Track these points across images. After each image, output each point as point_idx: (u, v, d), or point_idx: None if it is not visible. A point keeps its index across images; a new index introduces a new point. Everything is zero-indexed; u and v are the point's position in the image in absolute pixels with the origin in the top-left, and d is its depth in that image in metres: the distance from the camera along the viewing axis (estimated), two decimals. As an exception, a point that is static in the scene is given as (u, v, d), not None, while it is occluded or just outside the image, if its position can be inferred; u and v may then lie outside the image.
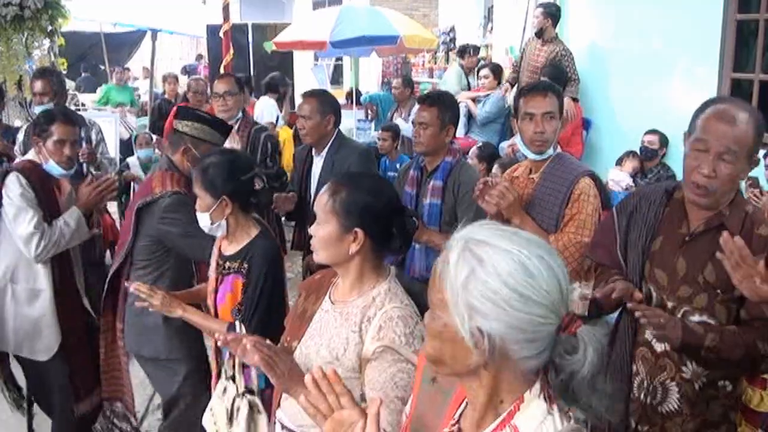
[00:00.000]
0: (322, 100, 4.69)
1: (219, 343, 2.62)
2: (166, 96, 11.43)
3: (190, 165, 3.63)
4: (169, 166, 3.79)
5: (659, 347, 2.74)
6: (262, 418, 2.92)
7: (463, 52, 10.72)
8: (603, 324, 4.53)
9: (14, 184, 3.88)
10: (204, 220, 3.20)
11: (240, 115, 5.38)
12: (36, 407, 4.47)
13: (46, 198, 3.97)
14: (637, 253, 2.80)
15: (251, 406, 2.94)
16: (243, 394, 2.95)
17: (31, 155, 4.15)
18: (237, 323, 2.96)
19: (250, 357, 2.34)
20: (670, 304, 2.69)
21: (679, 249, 2.68)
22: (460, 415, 1.62)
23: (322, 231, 2.36)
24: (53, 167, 4.01)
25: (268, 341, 2.38)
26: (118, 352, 3.97)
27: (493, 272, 1.41)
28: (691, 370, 2.68)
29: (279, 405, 2.54)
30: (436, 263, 1.52)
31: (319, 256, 2.41)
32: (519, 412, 1.47)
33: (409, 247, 2.57)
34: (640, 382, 2.81)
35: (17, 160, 4.45)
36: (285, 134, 8.46)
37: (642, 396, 2.81)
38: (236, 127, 5.24)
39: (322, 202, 2.38)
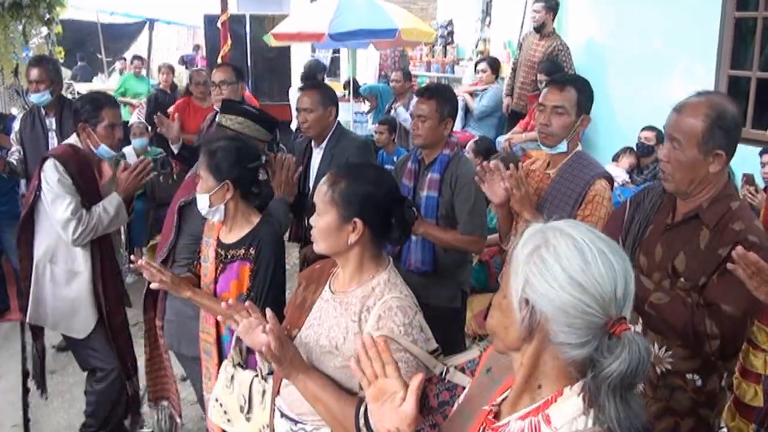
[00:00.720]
0: (323, 92, 4.66)
1: (220, 317, 2.60)
2: (161, 86, 11.39)
3: None
4: None
5: None
6: None
7: None
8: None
9: (51, 170, 3.96)
10: (203, 201, 3.22)
11: None
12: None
13: (85, 183, 4.06)
14: (632, 239, 2.91)
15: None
16: (265, 377, 2.92)
17: (72, 140, 4.19)
18: None
19: (255, 339, 2.35)
20: None
21: (660, 237, 2.78)
22: (503, 400, 1.68)
23: (322, 221, 2.38)
24: (105, 151, 4.12)
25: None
26: (160, 350, 4.06)
27: (553, 252, 1.49)
28: (652, 353, 2.75)
29: (278, 392, 2.54)
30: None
31: (319, 247, 2.42)
32: (555, 404, 1.51)
33: (408, 238, 2.58)
34: None
35: (57, 146, 4.52)
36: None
37: None
38: None
39: (321, 193, 2.39)
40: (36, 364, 4.60)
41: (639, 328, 2.83)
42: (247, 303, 2.52)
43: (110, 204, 4.05)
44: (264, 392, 2.88)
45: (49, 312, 4.15)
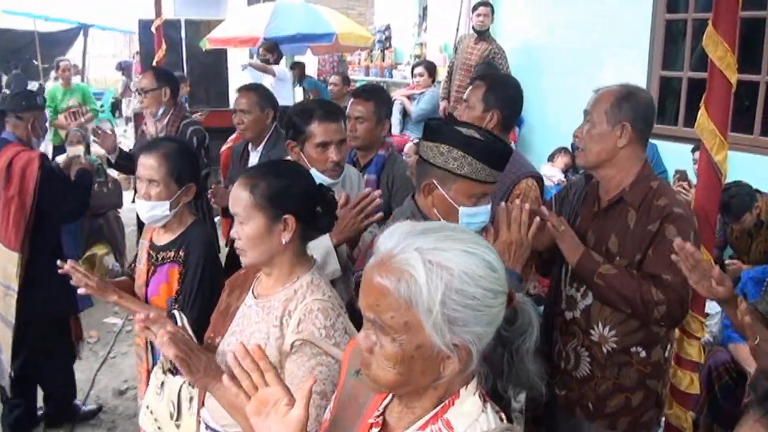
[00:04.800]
0: (260, 94, 4.66)
1: (135, 321, 2.50)
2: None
3: (438, 211, 2.65)
4: (413, 212, 2.73)
5: (568, 315, 2.96)
6: None
7: None
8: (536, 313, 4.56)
9: None
10: (161, 209, 3.04)
11: (161, 111, 5.27)
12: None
13: None
14: None
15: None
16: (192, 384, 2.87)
17: None
18: (176, 313, 2.89)
19: (165, 349, 2.29)
20: None
21: (590, 224, 2.92)
22: (385, 407, 1.56)
23: (249, 229, 2.26)
24: (318, 177, 3.17)
25: (187, 335, 2.29)
26: None
27: (467, 279, 1.35)
28: (597, 333, 2.87)
29: (203, 404, 2.47)
30: (382, 286, 1.37)
31: (250, 257, 2.30)
32: (453, 407, 1.43)
33: (334, 223, 2.51)
34: (558, 349, 3.02)
35: None
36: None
37: (559, 362, 3.02)
38: (165, 120, 5.17)
39: (241, 200, 2.28)
40: None
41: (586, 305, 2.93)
42: (153, 315, 2.38)
43: (315, 251, 2.65)
44: (192, 399, 2.81)
45: None
